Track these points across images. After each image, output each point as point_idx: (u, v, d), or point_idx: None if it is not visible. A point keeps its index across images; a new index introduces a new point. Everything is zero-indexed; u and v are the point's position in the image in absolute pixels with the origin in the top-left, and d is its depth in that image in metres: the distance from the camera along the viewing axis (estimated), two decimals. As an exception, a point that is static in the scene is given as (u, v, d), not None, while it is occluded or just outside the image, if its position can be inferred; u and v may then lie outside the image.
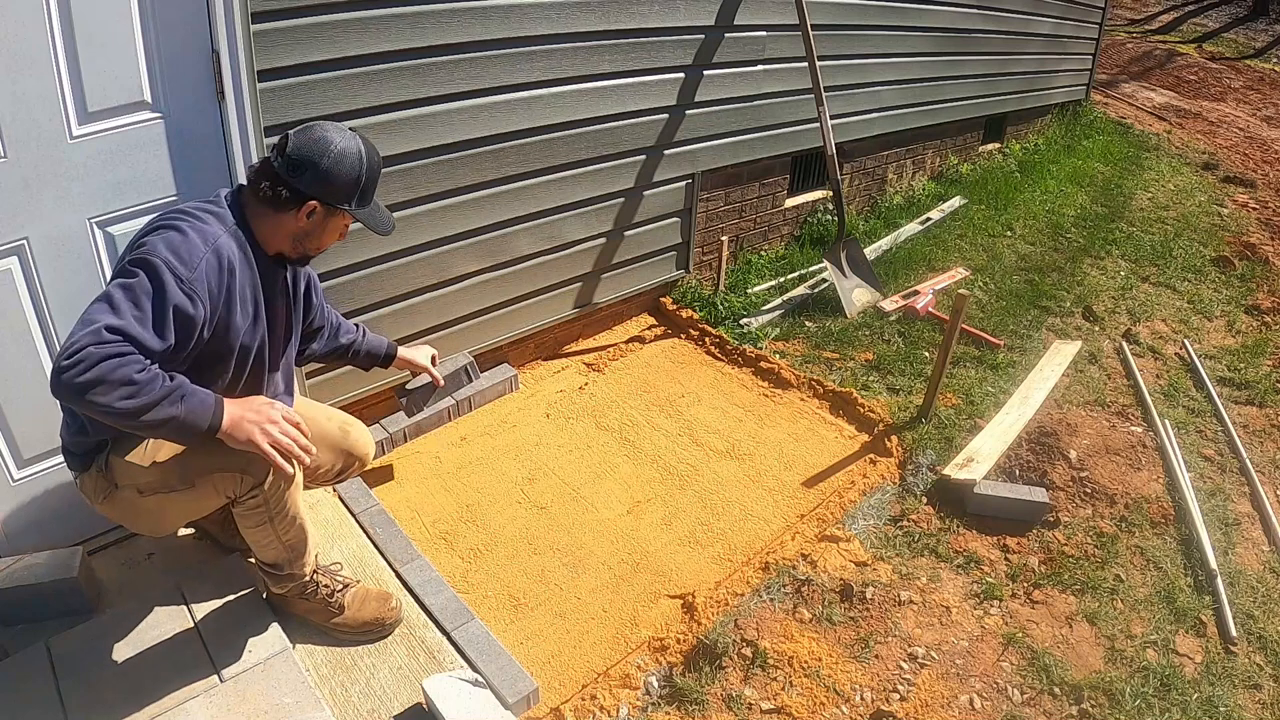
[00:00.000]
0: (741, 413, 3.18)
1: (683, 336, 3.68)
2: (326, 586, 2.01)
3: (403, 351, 2.30)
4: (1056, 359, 3.50)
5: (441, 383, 2.40)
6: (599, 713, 2.02)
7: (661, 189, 3.53)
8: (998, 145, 6.14)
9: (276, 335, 1.86)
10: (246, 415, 1.59)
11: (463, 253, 2.91)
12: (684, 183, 3.62)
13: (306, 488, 2.50)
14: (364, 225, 1.80)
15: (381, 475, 2.78)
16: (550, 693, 2.08)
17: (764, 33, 3.59)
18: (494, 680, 1.97)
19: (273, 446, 1.59)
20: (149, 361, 1.47)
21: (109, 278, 1.62)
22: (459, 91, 2.64)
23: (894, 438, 2.98)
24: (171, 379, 1.50)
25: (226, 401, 1.58)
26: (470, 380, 2.58)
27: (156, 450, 1.70)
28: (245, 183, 1.75)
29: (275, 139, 2.20)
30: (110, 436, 1.72)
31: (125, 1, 1.87)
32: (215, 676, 1.84)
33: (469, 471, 2.83)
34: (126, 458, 1.70)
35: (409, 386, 2.42)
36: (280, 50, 2.19)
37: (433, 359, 2.37)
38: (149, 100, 2.00)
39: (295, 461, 1.63)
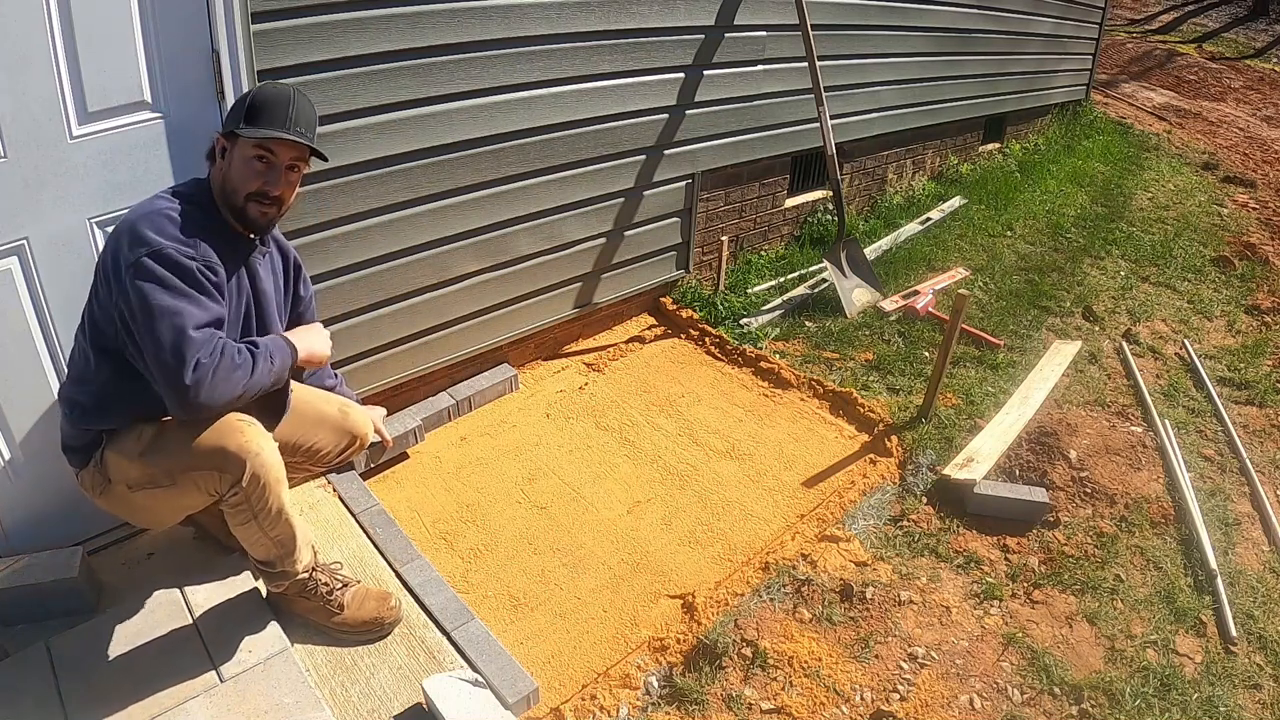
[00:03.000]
0: (741, 413, 3.18)
1: (683, 336, 3.68)
2: (325, 584, 2.02)
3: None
4: (1056, 359, 3.50)
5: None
6: (599, 713, 2.02)
7: (661, 189, 3.53)
8: (998, 145, 6.14)
9: (265, 311, 1.87)
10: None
11: (463, 253, 2.91)
12: (684, 183, 3.62)
13: (315, 473, 2.50)
14: (258, 139, 1.68)
15: (381, 475, 2.78)
16: (550, 693, 2.08)
17: (764, 33, 3.59)
18: (494, 680, 1.97)
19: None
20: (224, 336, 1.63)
21: (117, 267, 1.61)
22: (459, 91, 2.64)
23: (894, 438, 2.98)
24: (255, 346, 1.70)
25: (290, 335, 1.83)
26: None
27: (143, 449, 1.73)
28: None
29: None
30: (106, 430, 1.74)
31: (125, 1, 1.87)
32: (215, 676, 1.84)
33: (469, 471, 2.83)
34: (117, 454, 1.74)
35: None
36: (280, 50, 2.19)
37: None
38: (149, 100, 2.00)
39: (286, 463, 1.80)
